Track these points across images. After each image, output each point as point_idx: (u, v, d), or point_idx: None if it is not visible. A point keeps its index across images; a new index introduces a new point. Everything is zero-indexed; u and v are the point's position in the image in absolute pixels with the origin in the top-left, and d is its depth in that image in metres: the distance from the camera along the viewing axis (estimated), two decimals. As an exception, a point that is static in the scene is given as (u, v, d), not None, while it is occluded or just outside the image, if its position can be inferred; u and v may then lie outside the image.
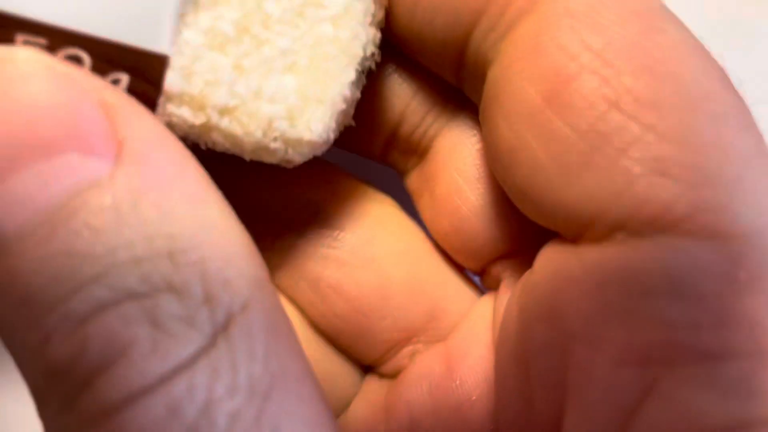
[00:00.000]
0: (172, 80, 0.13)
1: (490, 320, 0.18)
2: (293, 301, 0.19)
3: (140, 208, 0.11)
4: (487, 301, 0.18)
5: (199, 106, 0.13)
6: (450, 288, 0.19)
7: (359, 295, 0.19)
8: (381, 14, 0.16)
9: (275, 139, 0.14)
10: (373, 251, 0.19)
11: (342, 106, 0.15)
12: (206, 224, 0.11)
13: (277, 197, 0.19)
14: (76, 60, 0.12)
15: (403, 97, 0.18)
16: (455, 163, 0.18)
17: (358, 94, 0.16)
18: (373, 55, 0.16)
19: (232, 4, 0.13)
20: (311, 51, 0.14)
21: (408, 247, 0.19)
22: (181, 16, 0.13)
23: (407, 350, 0.19)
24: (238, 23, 0.14)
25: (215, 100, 0.13)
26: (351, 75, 0.15)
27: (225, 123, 0.14)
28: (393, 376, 0.19)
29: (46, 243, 0.11)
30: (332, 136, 0.15)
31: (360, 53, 0.15)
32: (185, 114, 0.13)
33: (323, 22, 0.14)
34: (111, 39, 0.12)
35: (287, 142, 0.14)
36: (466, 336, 0.18)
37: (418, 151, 0.19)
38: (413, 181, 0.19)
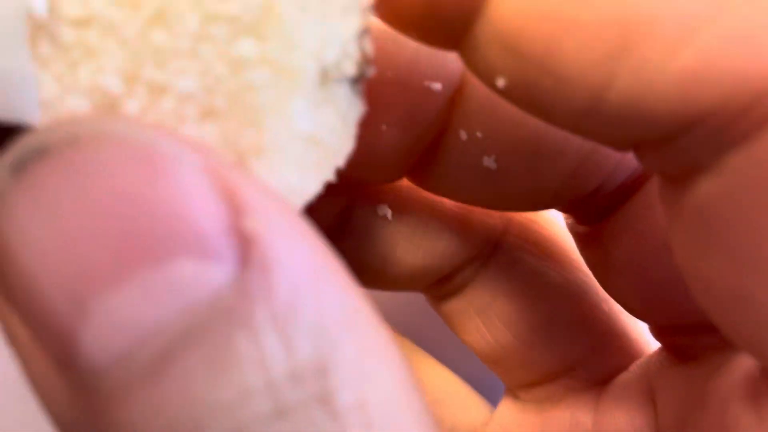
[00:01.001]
0: None
1: (647, 387, 0.17)
2: (456, 322, 0.20)
3: (279, 330, 0.08)
4: (648, 363, 0.17)
5: None
6: (614, 325, 0.19)
7: (526, 329, 0.19)
8: None
9: None
10: (545, 283, 0.19)
11: (298, 143, 0.11)
12: (363, 347, 0.09)
13: (458, 223, 0.19)
14: None
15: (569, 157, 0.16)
16: (647, 223, 0.16)
17: (352, 119, 0.11)
18: (348, 52, 0.11)
19: (110, 48, 0.10)
20: (228, 84, 0.10)
21: (576, 280, 0.19)
22: (57, 78, 0.10)
23: (563, 382, 0.19)
24: (124, 72, 0.10)
25: None
26: (298, 102, 0.11)
27: None
28: (536, 401, 0.19)
29: (153, 382, 0.08)
30: (309, 183, 0.11)
31: (309, 65, 0.10)
32: None
33: (238, 38, 0.10)
34: None
35: None
36: (619, 398, 0.17)
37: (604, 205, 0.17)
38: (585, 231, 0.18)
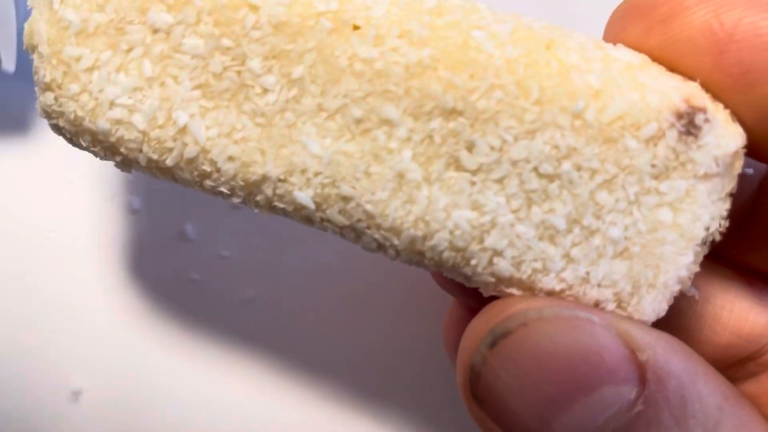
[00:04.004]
0: (502, 267, 0.14)
1: None
2: (765, 402, 0.20)
3: (678, 421, 0.12)
4: None
5: (527, 289, 0.14)
6: None
7: None
8: (732, 185, 0.14)
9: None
10: None
11: (676, 288, 0.14)
12: (740, 423, 0.12)
13: None
14: None
15: None
16: None
17: (696, 268, 0.14)
18: (719, 225, 0.14)
19: (563, 197, 0.14)
20: (645, 237, 0.14)
21: None
22: (513, 212, 0.14)
23: None
24: (569, 217, 0.14)
25: (542, 285, 0.14)
26: (689, 257, 0.14)
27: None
28: None
29: None
30: (663, 313, 0.14)
31: (701, 234, 0.14)
32: (514, 293, 0.14)
33: (661, 208, 0.14)
34: None
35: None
36: None
37: None
38: None
